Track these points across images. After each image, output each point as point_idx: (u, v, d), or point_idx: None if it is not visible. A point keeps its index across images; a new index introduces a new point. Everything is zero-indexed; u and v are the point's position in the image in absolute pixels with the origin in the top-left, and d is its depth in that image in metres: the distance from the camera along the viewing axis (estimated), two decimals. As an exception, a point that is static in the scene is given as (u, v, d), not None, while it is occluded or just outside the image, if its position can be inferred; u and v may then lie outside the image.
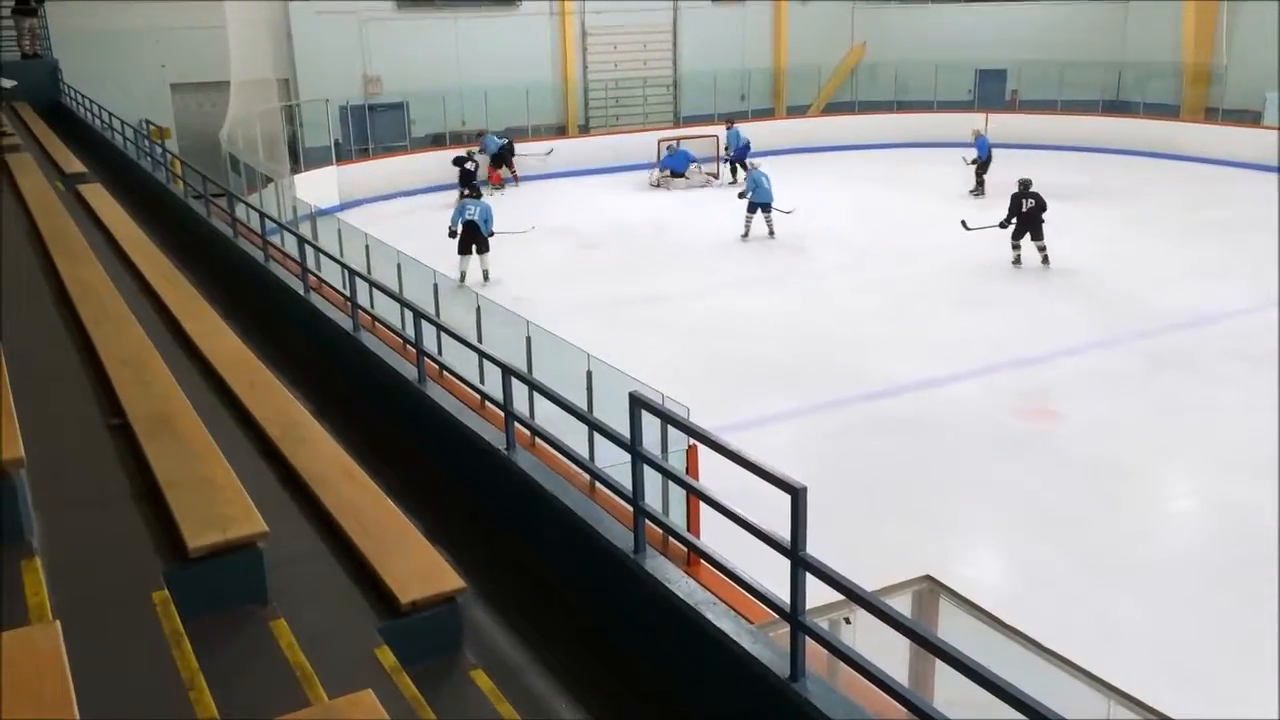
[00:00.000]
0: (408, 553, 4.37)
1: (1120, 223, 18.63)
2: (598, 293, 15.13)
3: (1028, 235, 15.65)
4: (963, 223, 16.38)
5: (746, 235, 18.33)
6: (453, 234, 15.97)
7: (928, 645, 2.97)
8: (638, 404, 4.14)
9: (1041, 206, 15.58)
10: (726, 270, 16.55)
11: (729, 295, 15.03)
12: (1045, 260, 15.65)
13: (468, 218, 15.93)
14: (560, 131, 26.20)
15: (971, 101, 27.94)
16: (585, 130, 26.55)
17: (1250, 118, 24.33)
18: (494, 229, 16.26)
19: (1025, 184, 15.80)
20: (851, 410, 10.92)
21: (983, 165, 21.28)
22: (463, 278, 15.51)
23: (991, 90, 28.03)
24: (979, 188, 21.18)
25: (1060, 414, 10.75)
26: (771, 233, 18.28)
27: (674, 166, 23.22)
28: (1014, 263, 15.77)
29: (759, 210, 18.32)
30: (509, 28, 25.50)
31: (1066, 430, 10.39)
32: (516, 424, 5.20)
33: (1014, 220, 15.60)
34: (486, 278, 15.84)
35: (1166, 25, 25.82)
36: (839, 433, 10.47)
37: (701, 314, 14.13)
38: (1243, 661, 6.73)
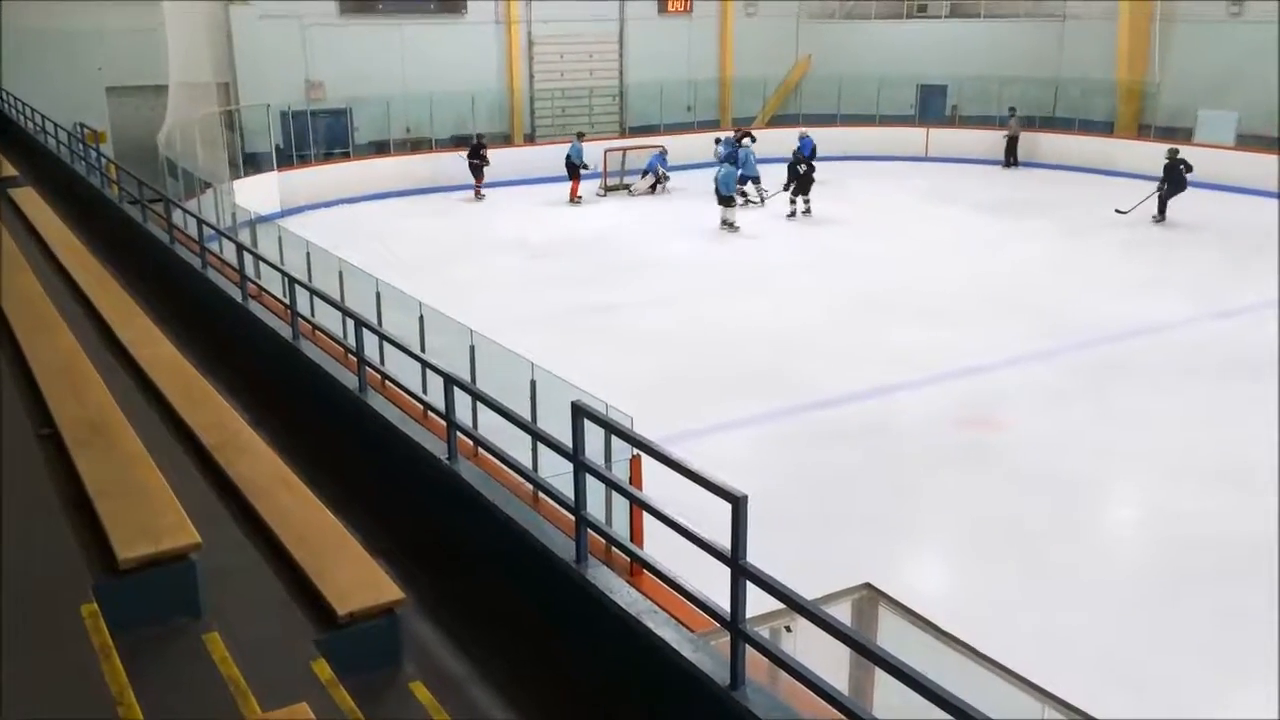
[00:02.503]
0: (346, 564, 4.32)
1: (1058, 236, 18.99)
2: (548, 302, 15.09)
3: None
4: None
5: (761, 201, 21.55)
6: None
7: (864, 652, 3.00)
8: (580, 413, 4.14)
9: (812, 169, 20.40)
10: (678, 280, 16.59)
11: (680, 305, 15.07)
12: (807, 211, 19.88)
13: None
14: (506, 140, 26.13)
15: (914, 116, 28.34)
16: (531, 139, 26.51)
17: (1182, 135, 24.93)
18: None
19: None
20: (800, 420, 11.00)
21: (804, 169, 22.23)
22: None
23: (933, 105, 28.47)
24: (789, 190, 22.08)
25: (1004, 424, 10.91)
26: (763, 200, 21.51)
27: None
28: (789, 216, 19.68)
29: (749, 182, 21.00)
30: (455, 35, 25.40)
31: (1010, 440, 10.55)
32: (460, 434, 5.17)
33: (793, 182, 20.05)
34: None
35: (1101, 44, 26.43)
36: (787, 442, 10.54)
37: (653, 324, 14.15)
38: (1182, 667, 6.86)
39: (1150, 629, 7.30)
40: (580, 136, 23.62)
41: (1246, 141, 23.38)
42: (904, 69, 28.27)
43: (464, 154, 23.25)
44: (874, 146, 27.05)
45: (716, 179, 19.73)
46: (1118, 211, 20.15)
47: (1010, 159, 26.29)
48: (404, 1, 24.74)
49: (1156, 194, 20.01)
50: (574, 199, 22.79)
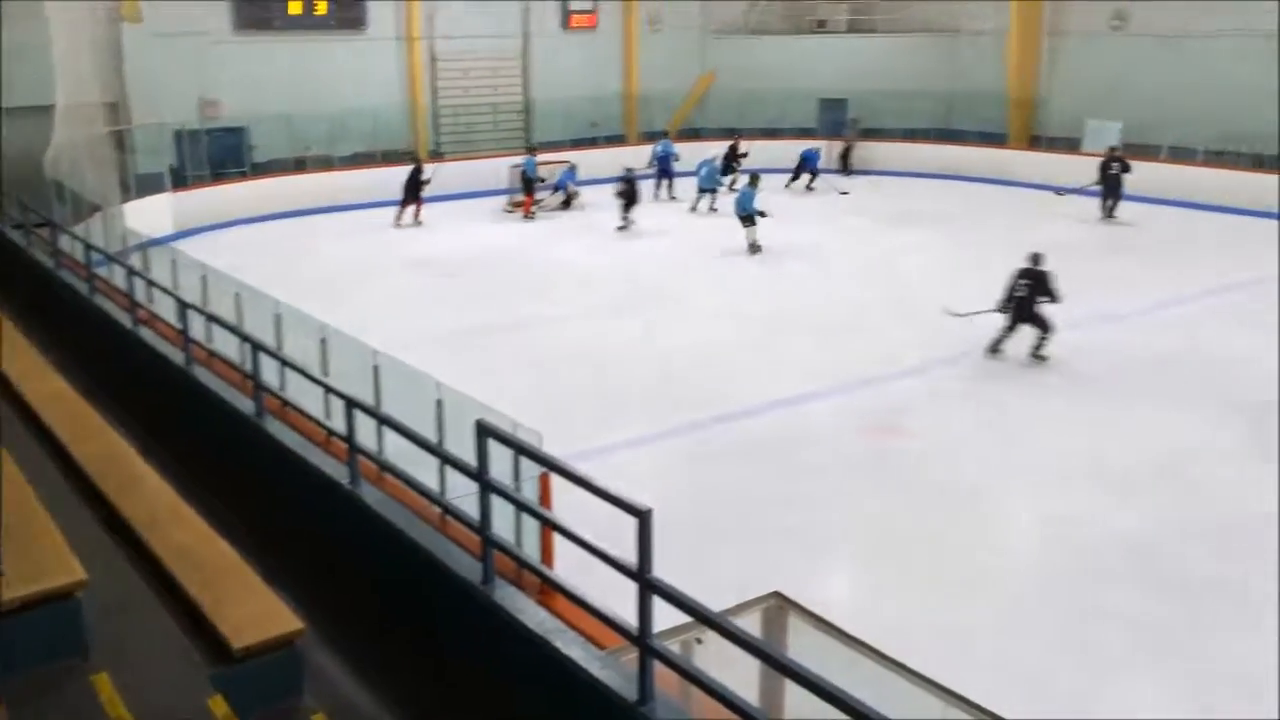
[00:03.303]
0: (243, 596, 4.20)
1: (957, 246, 19.45)
2: (457, 321, 14.91)
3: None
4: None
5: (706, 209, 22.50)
6: None
7: (770, 661, 3.01)
8: (484, 432, 4.09)
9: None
10: (587, 297, 16.56)
11: (589, 322, 15.03)
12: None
13: None
14: (411, 158, 25.81)
15: (816, 129, 28.83)
16: (437, 156, 26.25)
17: (1070, 144, 25.86)
18: None
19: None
20: (707, 433, 11.03)
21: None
22: None
23: (832, 118, 29.01)
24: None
25: (907, 432, 11.09)
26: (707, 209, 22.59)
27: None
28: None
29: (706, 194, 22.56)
30: (356, 52, 25.04)
31: (913, 448, 10.73)
32: (364, 458, 5.06)
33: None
34: None
35: (993, 58, 27.25)
36: (696, 455, 10.56)
37: (562, 340, 14.08)
38: (1082, 666, 7.03)
39: (1044, 628, 7.47)
40: (533, 151, 23.40)
41: (1131, 150, 24.29)
42: (805, 83, 28.77)
43: (363, 171, 22.93)
44: (777, 159, 27.41)
45: (735, 199, 19.74)
46: (1057, 193, 21.95)
47: (845, 168, 27.04)
48: (302, 17, 24.30)
49: (1097, 189, 21.42)
50: (528, 214, 22.66)
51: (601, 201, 22.69)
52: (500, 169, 24.21)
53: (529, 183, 22.74)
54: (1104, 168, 21.60)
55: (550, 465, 3.76)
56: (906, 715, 4.74)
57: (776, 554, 8.40)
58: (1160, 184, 22.13)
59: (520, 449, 4.08)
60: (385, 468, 5.04)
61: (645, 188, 22.60)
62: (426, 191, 22.04)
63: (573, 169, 23.91)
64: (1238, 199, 21.68)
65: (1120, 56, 25.25)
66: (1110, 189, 21.46)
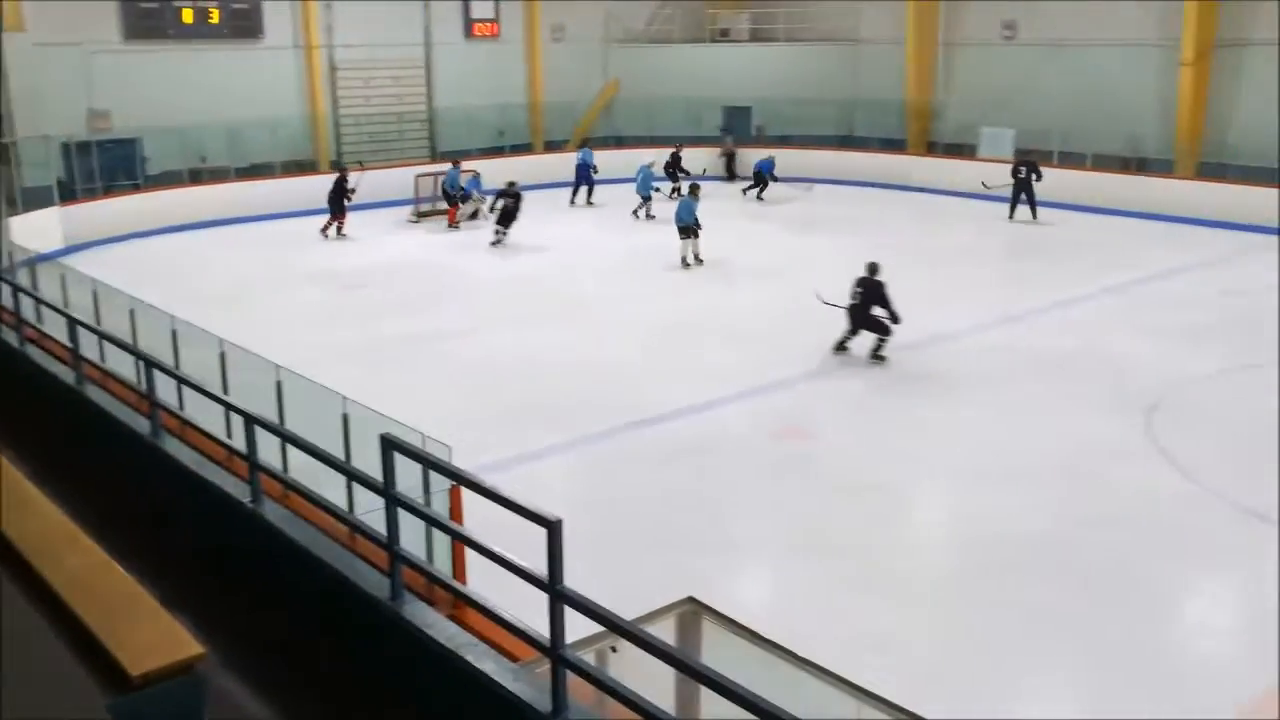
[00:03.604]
0: (140, 621, 4.04)
1: (858, 250, 19.75)
2: (363, 334, 14.66)
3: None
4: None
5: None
6: None
7: (680, 666, 3.02)
8: (389, 446, 4.03)
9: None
10: (496, 308, 16.44)
11: (499, 333, 14.91)
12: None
13: None
14: (311, 168, 25.37)
15: (721, 136, 29.13)
16: (338, 166, 25.76)
17: (966, 151, 26.61)
18: None
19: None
20: (621, 440, 11.04)
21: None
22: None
23: (738, 126, 29.34)
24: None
25: (816, 434, 11.26)
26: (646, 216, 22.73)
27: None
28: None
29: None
30: (252, 61, 24.48)
31: (822, 449, 10.90)
32: (268, 476, 4.94)
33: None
34: None
35: (892, 67, 27.90)
36: (611, 463, 10.57)
37: (472, 353, 13.93)
38: (995, 662, 7.20)
39: (954, 623, 7.65)
40: (455, 164, 23.07)
41: (1022, 155, 25.09)
42: (710, 91, 29.06)
43: (263, 182, 22.41)
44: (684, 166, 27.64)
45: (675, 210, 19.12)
46: (984, 185, 22.90)
47: (730, 175, 27.44)
48: (195, 26, 23.67)
49: (1011, 190, 22.31)
50: (453, 223, 22.44)
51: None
52: (405, 179, 23.91)
53: (450, 194, 22.42)
54: (1014, 172, 22.32)
55: (457, 478, 3.72)
56: (820, 715, 4.81)
57: (692, 559, 8.45)
58: (1054, 189, 22.82)
59: (426, 462, 4.03)
60: (289, 485, 4.93)
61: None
62: (351, 201, 21.67)
63: (476, 178, 23.75)
64: (1129, 202, 22.51)
65: (1012, 65, 26.09)
66: (1021, 192, 22.23)
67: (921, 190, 25.48)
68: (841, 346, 13.47)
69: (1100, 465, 10.20)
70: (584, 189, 25.02)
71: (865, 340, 13.30)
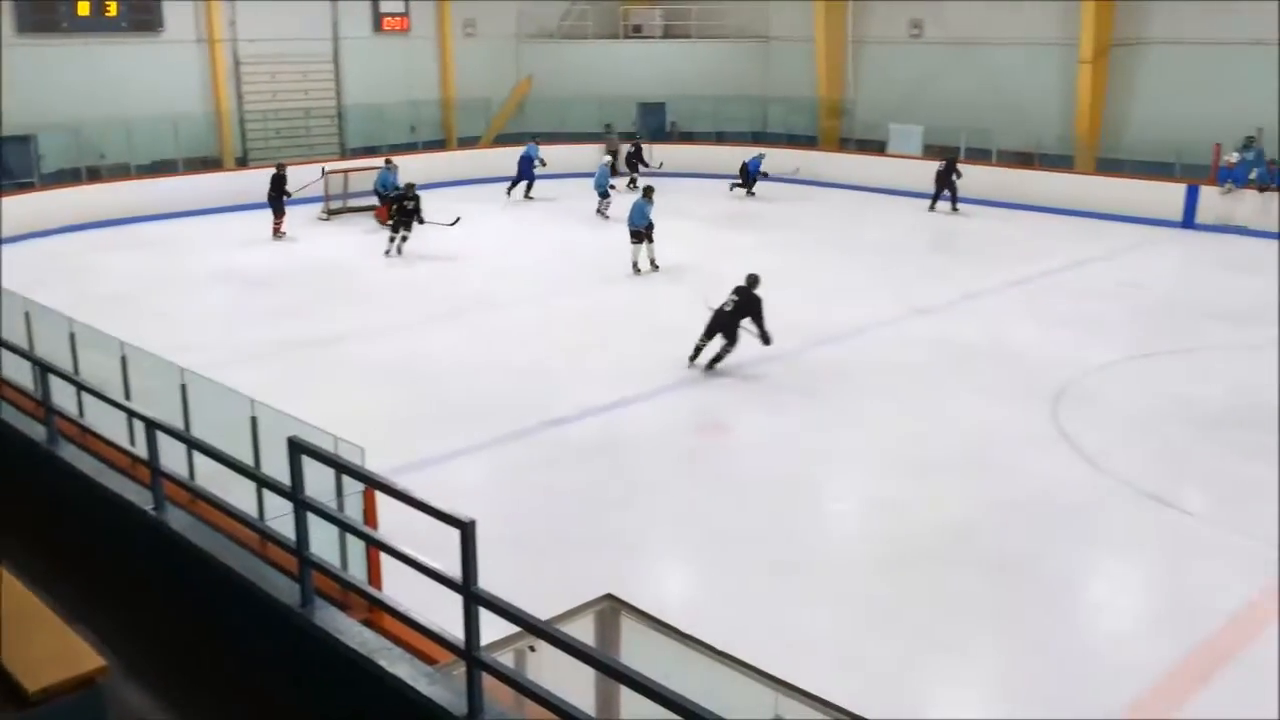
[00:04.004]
0: (38, 636, 3.91)
1: (770, 247, 20.00)
2: (272, 336, 14.31)
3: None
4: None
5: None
6: None
7: (597, 665, 3.00)
8: (297, 449, 3.93)
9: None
10: (409, 307, 16.21)
11: (413, 333, 14.70)
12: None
13: None
14: (216, 165, 24.75)
15: (635, 133, 29.16)
16: (243, 163, 25.22)
17: (876, 147, 27.09)
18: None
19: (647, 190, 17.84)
20: (538, 439, 10.98)
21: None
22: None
23: (652, 123, 29.43)
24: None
25: (731, 429, 11.34)
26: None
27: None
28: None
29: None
30: (152, 55, 23.76)
31: (736, 444, 10.98)
32: (175, 482, 4.79)
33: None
34: None
35: (803, 64, 28.26)
36: (527, 463, 10.49)
37: (385, 353, 13.69)
38: (912, 650, 7.31)
39: (875, 615, 7.76)
40: (388, 163, 22.47)
41: (931, 152, 25.65)
42: (623, 88, 29.09)
43: (165, 180, 21.72)
44: (598, 164, 27.62)
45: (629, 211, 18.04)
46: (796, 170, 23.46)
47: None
48: (91, 19, 22.86)
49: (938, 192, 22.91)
50: (384, 223, 21.63)
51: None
52: (313, 175, 23.44)
53: (383, 194, 21.88)
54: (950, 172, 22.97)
55: (368, 480, 3.65)
56: (738, 709, 4.83)
57: (610, 556, 8.44)
58: (962, 184, 23.33)
59: (335, 465, 3.95)
60: (193, 491, 4.79)
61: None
62: (290, 198, 21.06)
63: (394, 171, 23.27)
64: (1032, 197, 23.12)
65: (919, 63, 26.62)
66: (943, 188, 22.93)
67: (834, 186, 25.85)
68: (699, 354, 12.71)
69: (1009, 453, 10.45)
70: (523, 183, 24.86)
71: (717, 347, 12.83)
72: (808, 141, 28.40)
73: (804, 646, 7.09)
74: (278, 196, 20.76)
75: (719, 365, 12.68)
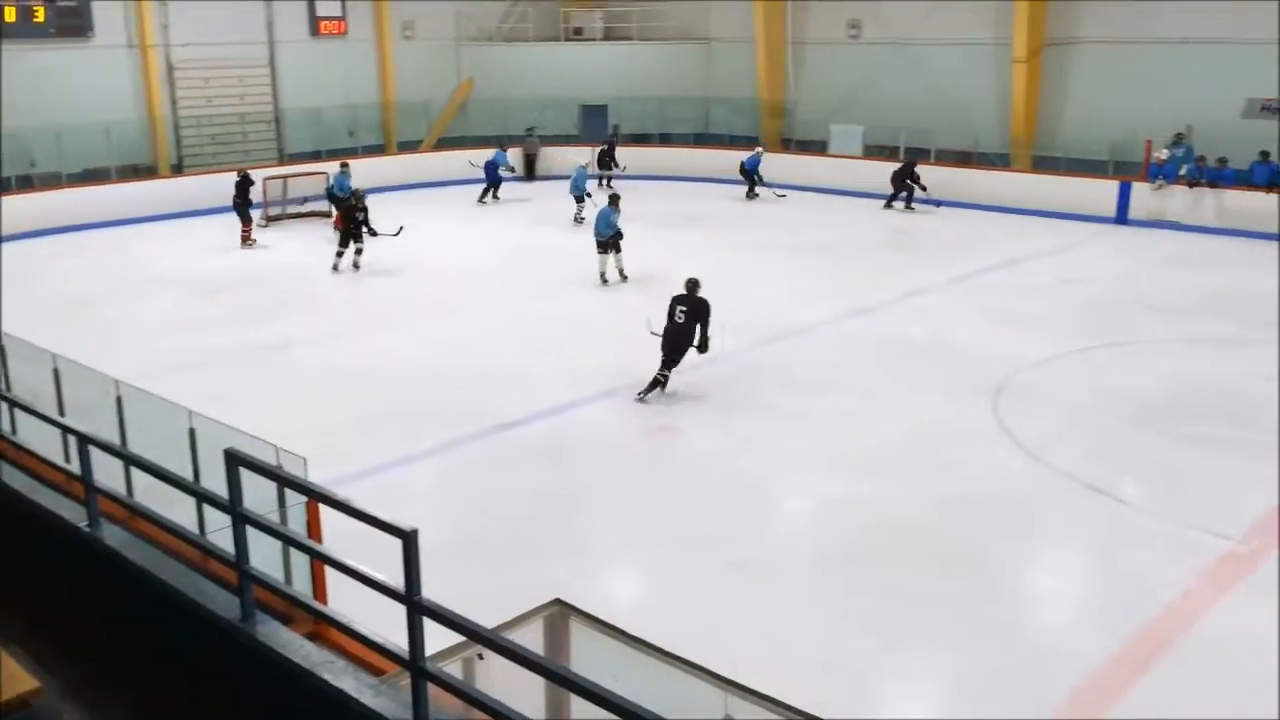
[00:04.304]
0: (-34, 659, 3.79)
1: (714, 246, 20.09)
2: (214, 344, 14.04)
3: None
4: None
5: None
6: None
7: (543, 672, 2.98)
8: (234, 461, 3.86)
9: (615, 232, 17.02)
10: (357, 312, 16.03)
11: (360, 339, 14.52)
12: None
13: None
14: (150, 172, 24.29)
15: (578, 136, 29.15)
16: (178, 170, 24.78)
17: (818, 147, 27.33)
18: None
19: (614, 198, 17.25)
20: (488, 443, 10.91)
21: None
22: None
23: (595, 125, 29.41)
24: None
25: (680, 431, 11.33)
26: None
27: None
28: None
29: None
30: (82, 61, 23.23)
31: (685, 445, 10.99)
32: (110, 498, 4.68)
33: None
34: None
35: (744, 65, 28.42)
36: (477, 467, 10.42)
37: (333, 359, 13.52)
38: (862, 647, 7.36)
39: (824, 612, 7.81)
40: (344, 167, 22.02)
41: (872, 152, 25.96)
42: (565, 90, 29.05)
43: (98, 188, 21.20)
44: (541, 166, 27.59)
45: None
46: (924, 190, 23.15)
47: (530, 174, 27.29)
48: (18, 25, 22.29)
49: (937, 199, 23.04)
50: (338, 228, 21.31)
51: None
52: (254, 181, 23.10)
53: (340, 199, 21.30)
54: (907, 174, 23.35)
55: (307, 491, 3.59)
56: (688, 710, 4.83)
57: (559, 560, 8.41)
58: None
59: (271, 476, 3.88)
60: (129, 507, 4.69)
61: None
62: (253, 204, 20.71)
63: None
64: (971, 195, 23.47)
65: (858, 64, 26.90)
66: (900, 190, 23.33)
67: (777, 186, 26.00)
68: (656, 385, 11.82)
69: (952, 449, 10.58)
70: (489, 189, 24.89)
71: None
72: (750, 142, 28.53)
73: (754, 646, 7.12)
74: (244, 203, 20.40)
75: (652, 394, 11.83)
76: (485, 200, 24.81)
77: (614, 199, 17.14)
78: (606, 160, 25.99)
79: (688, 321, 11.57)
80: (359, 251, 18.08)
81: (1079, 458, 10.29)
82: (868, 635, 7.47)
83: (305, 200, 22.87)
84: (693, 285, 11.85)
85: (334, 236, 20.03)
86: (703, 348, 11.62)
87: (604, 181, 24.96)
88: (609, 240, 16.86)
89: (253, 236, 20.52)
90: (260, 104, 26.25)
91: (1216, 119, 21.29)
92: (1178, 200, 21.28)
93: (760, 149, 25.49)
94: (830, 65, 27.56)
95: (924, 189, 23.00)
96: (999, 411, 11.48)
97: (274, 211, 22.78)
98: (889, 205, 23.50)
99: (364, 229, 18.04)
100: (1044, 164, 23.84)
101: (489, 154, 25.17)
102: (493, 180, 24.84)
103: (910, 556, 8.49)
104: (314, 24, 27.13)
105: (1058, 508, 9.41)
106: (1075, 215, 22.04)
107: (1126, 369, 12.99)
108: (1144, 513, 9.30)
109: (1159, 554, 8.54)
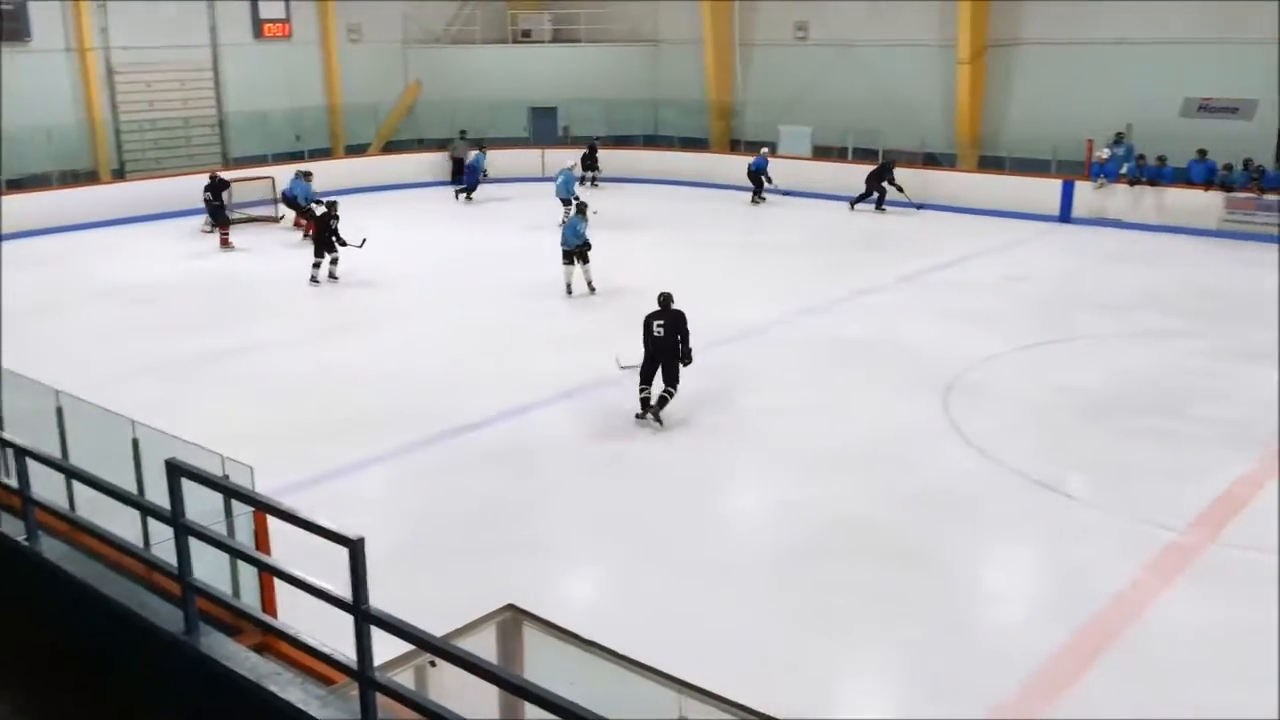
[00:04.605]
0: (-103, 681, 3.67)
1: (664, 246, 20.13)
2: (167, 353, 13.80)
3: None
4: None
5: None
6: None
7: (492, 679, 2.95)
8: (175, 471, 3.78)
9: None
10: (305, 318, 15.83)
11: (311, 345, 14.36)
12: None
13: None
14: (91, 178, 23.81)
15: (528, 138, 29.05)
16: (120, 175, 24.33)
17: (768, 148, 27.44)
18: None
19: (581, 205, 16.88)
20: (441, 448, 10.83)
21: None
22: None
23: (545, 127, 29.34)
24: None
25: (634, 432, 11.28)
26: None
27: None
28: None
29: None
30: (19, 65, 22.71)
31: (639, 446, 10.97)
32: (48, 511, 4.57)
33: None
34: None
35: (692, 67, 28.49)
36: (429, 472, 10.34)
37: (282, 366, 13.35)
38: (818, 645, 7.40)
39: (780, 612, 7.83)
40: (307, 175, 21.63)
41: (820, 152, 26.14)
42: (514, 92, 28.93)
43: (38, 194, 20.75)
44: (493, 169, 27.40)
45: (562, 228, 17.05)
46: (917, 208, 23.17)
47: (455, 177, 26.61)
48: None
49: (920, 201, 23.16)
50: (308, 234, 20.81)
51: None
52: (195, 186, 22.70)
53: (303, 206, 21.06)
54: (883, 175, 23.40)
55: (249, 500, 3.53)
56: (642, 712, 4.82)
57: (513, 565, 8.36)
58: (854, 183, 23.82)
59: (215, 486, 3.81)
60: (70, 520, 4.58)
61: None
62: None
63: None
64: (920, 195, 23.69)
65: (805, 65, 27.08)
66: (873, 191, 23.37)
67: (726, 188, 26.12)
68: (648, 408, 11.33)
69: (904, 446, 10.68)
70: (467, 188, 25.07)
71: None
72: (699, 144, 28.64)
73: (708, 646, 7.12)
74: (220, 205, 20.20)
75: (662, 414, 11.29)
76: (463, 198, 25.05)
77: (581, 207, 16.63)
78: (590, 163, 26.13)
79: (668, 335, 11.16)
80: (334, 261, 17.65)
81: (1028, 454, 10.44)
82: (822, 634, 7.50)
83: (277, 204, 22.48)
84: (666, 299, 11.37)
85: (290, 241, 19.85)
86: (686, 360, 11.24)
87: (592, 181, 25.46)
88: (576, 250, 16.30)
89: (230, 240, 20.33)
90: (204, 107, 25.87)
91: (1155, 118, 21.73)
92: (1119, 198, 21.68)
93: (766, 150, 25.22)
94: (778, 66, 27.72)
95: (899, 189, 22.98)
96: (950, 409, 11.61)
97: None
98: (854, 206, 23.57)
99: (335, 239, 17.57)
100: (989, 164, 24.17)
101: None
102: (469, 180, 24.97)
103: (863, 555, 8.55)
104: (258, 26, 26.78)
105: (1008, 504, 9.53)
106: (1020, 214, 22.36)
107: (1072, 365, 13.20)
108: (1091, 507, 9.44)
109: (1106, 547, 8.68)
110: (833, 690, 7.09)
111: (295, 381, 12.79)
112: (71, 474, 4.25)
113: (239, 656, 3.70)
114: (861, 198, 23.50)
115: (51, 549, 4.55)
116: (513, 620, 5.47)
